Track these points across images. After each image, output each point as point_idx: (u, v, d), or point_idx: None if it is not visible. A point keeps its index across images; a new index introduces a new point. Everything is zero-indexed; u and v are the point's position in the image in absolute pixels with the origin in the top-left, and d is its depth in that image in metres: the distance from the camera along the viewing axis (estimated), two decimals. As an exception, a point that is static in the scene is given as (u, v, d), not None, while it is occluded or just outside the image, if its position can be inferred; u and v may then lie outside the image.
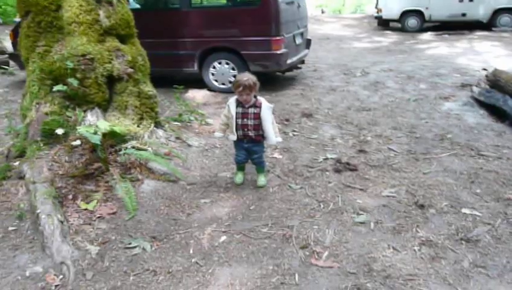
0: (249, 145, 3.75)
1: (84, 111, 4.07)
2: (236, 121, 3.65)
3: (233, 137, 3.74)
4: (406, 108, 6.25)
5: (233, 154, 3.98)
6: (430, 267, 2.84)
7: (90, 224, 3.28)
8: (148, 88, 4.49)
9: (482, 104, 6.17)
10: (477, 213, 3.41)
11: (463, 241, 3.08)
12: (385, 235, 3.17)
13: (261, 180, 3.87)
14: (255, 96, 3.63)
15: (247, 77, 3.55)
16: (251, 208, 3.53)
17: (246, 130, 3.66)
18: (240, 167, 3.95)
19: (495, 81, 6.19)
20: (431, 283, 2.71)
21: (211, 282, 2.74)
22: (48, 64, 4.00)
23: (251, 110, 3.62)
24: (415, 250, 3.00)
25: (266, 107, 3.62)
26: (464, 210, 3.46)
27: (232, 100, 3.68)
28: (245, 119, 3.64)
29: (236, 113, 3.63)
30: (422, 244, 3.05)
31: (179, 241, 3.14)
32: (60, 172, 3.68)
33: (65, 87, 3.91)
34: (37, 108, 4.03)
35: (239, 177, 3.93)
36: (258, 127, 3.65)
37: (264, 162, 3.93)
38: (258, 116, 3.61)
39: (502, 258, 2.92)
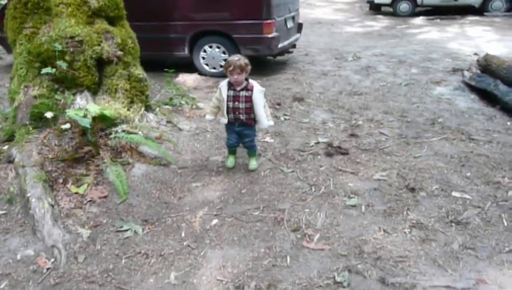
0: (240, 128, 3.73)
1: (74, 94, 4.03)
2: (227, 104, 3.62)
3: (225, 120, 3.72)
4: (397, 92, 6.27)
5: (225, 138, 3.98)
6: (421, 249, 2.88)
7: (81, 208, 3.27)
8: (139, 71, 4.45)
9: (473, 88, 6.20)
10: (467, 196, 3.45)
11: (453, 224, 3.12)
12: (376, 218, 3.20)
13: (253, 164, 3.87)
14: (246, 80, 3.60)
15: (239, 57, 3.54)
16: (243, 191, 3.54)
17: (237, 113, 3.64)
18: (231, 151, 3.95)
19: (486, 66, 6.22)
20: (421, 265, 2.75)
21: (203, 264, 2.76)
22: (35, 47, 3.94)
23: (242, 93, 3.59)
24: (405, 232, 3.04)
25: (258, 91, 3.59)
26: (454, 193, 3.49)
27: (223, 83, 3.65)
28: (236, 102, 3.60)
29: (228, 96, 3.60)
30: (413, 227, 3.09)
31: (171, 224, 3.15)
32: (50, 156, 3.65)
33: (54, 70, 3.86)
34: (26, 91, 3.98)
35: (230, 161, 3.93)
36: (250, 110, 3.62)
37: (255, 145, 3.93)
38: (249, 100, 3.59)
39: (491, 240, 2.97)
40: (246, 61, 3.53)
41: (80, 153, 3.71)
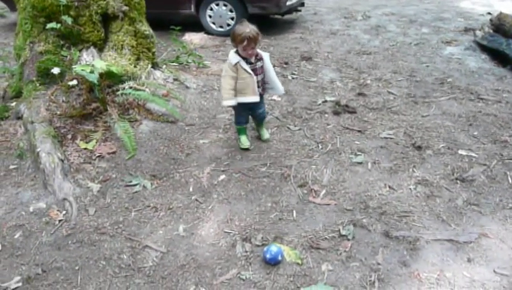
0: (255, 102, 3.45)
1: (80, 50, 4.02)
2: (256, 79, 3.31)
3: (256, 98, 3.36)
4: (407, 52, 6.20)
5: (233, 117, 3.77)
6: (425, 205, 2.95)
7: (90, 163, 3.34)
8: (145, 27, 4.42)
9: (484, 48, 6.12)
10: (474, 154, 3.48)
11: (458, 181, 3.17)
12: (382, 174, 3.25)
13: (266, 133, 3.73)
14: None
15: (249, 28, 3.15)
16: (250, 148, 3.58)
17: (259, 86, 3.39)
18: (243, 130, 3.65)
19: (499, 25, 6.11)
20: (425, 220, 2.82)
21: (211, 218, 2.84)
22: (39, 1, 3.91)
23: (259, 64, 3.32)
24: (410, 189, 3.10)
25: (267, 57, 3.38)
26: (460, 151, 3.53)
27: (234, 58, 3.24)
28: (257, 76, 3.33)
29: (253, 70, 3.29)
30: (418, 184, 3.14)
31: (179, 179, 3.22)
32: (58, 112, 3.70)
33: (59, 25, 3.84)
34: (31, 47, 3.98)
35: (246, 141, 3.61)
36: (263, 80, 3.43)
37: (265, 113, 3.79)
38: (263, 70, 3.37)
39: (495, 197, 3.02)
40: (257, 30, 3.18)
41: (88, 110, 3.75)
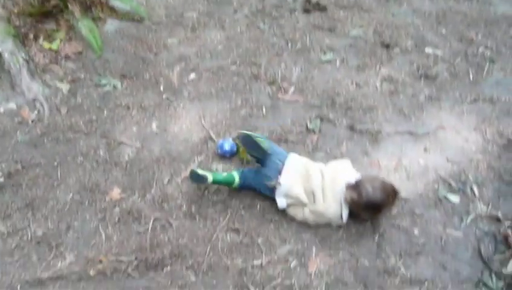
0: None
1: None
2: None
3: None
4: None
5: None
6: (389, 100, 3.23)
7: (56, 63, 3.43)
8: None
9: None
10: (439, 52, 3.73)
11: (422, 78, 3.45)
12: (349, 72, 3.48)
13: None
14: None
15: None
16: (219, 47, 3.71)
17: None
18: None
19: None
20: (387, 114, 3.12)
21: (183, 115, 3.06)
22: None
23: None
24: (376, 85, 3.36)
25: None
26: (427, 49, 3.76)
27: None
28: None
29: None
30: (384, 80, 3.40)
31: (149, 79, 3.37)
32: (16, 10, 3.69)
33: None
34: None
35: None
36: None
37: None
38: None
39: (455, 92, 3.33)
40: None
41: (47, 7, 3.74)
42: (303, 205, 2.45)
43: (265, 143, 2.54)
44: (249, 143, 2.57)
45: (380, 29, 4.00)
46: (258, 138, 2.56)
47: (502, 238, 2.44)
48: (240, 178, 2.53)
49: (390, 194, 2.38)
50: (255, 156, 2.64)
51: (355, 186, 2.36)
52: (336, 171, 2.52)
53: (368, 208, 2.38)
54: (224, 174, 2.57)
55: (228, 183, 2.55)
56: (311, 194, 2.44)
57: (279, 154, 2.56)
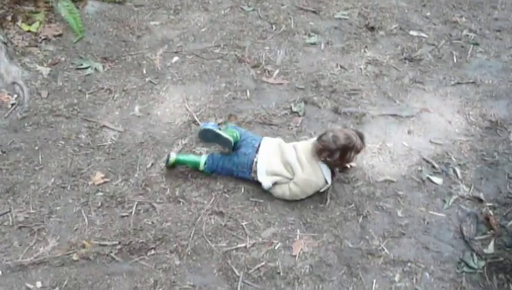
0: None
1: None
2: None
3: None
4: None
5: None
6: (374, 83, 3.25)
7: (36, 46, 3.38)
8: None
9: None
10: (424, 35, 3.74)
11: (406, 61, 3.47)
12: (334, 55, 3.49)
13: None
14: None
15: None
16: (202, 30, 3.69)
17: None
18: None
19: None
20: (372, 97, 3.14)
21: (166, 98, 3.05)
22: None
23: None
24: (361, 68, 3.37)
25: None
26: (411, 32, 3.78)
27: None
28: None
29: None
30: (368, 63, 3.42)
31: (131, 62, 3.34)
32: (-8, -9, 3.61)
33: None
34: None
35: None
36: None
37: None
38: None
39: (439, 75, 3.36)
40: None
41: (26, -12, 3.67)
42: (287, 180, 2.48)
43: (229, 132, 2.58)
44: (209, 137, 2.61)
45: (364, 12, 4.00)
46: (220, 130, 2.59)
47: (483, 219, 2.49)
48: (208, 159, 2.55)
49: (352, 133, 2.46)
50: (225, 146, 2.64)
51: (320, 141, 2.44)
52: (307, 142, 2.58)
53: (339, 151, 2.41)
54: (192, 156, 2.62)
55: (194, 164, 2.57)
56: (289, 166, 2.48)
57: (253, 136, 2.62)
